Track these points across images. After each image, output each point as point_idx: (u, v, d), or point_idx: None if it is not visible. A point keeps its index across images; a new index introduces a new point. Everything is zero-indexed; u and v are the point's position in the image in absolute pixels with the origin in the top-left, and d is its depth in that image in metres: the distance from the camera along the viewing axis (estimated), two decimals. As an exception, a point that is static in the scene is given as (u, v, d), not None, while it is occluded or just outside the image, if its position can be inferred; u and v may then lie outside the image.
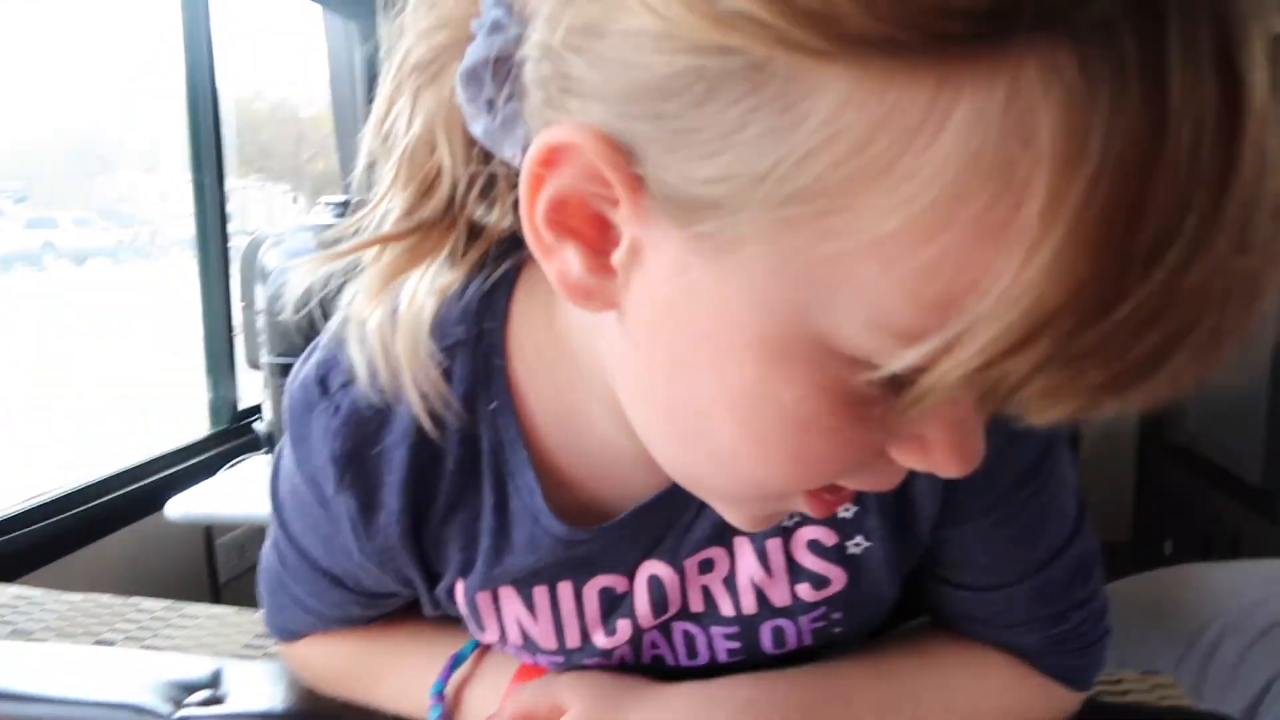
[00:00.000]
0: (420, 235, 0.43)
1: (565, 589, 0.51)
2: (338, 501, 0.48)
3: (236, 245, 1.65)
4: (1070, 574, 0.52)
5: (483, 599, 0.52)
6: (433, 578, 0.52)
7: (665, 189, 0.29)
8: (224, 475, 1.43)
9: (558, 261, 0.33)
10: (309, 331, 1.38)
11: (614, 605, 0.51)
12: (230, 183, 1.68)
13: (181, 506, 1.31)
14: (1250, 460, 2.21)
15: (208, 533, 1.43)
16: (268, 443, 1.41)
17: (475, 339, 0.47)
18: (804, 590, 0.50)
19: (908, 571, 0.52)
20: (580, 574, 0.51)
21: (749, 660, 0.53)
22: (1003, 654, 0.54)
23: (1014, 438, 0.46)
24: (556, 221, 0.32)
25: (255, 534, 1.50)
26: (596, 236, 0.32)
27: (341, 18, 1.74)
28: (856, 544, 0.49)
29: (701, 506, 0.47)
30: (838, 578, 0.50)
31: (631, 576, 0.51)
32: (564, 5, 0.31)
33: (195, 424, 1.56)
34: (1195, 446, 2.55)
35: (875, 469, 0.35)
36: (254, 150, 2.23)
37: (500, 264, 0.46)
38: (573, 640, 0.53)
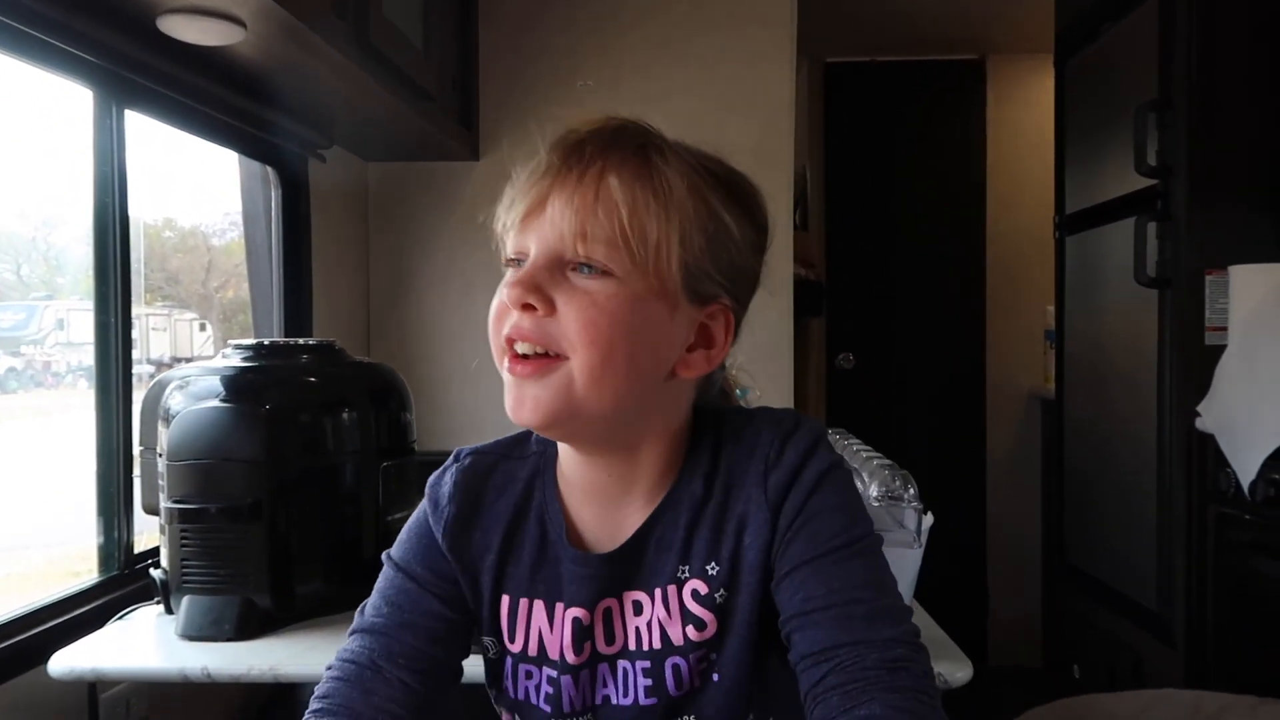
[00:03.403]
0: None
1: (573, 611, 0.76)
2: (449, 509, 0.79)
3: (137, 373, 1.59)
4: (871, 616, 0.69)
5: (521, 607, 0.77)
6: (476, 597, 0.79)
7: None
8: (113, 627, 1.35)
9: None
10: (207, 477, 1.35)
11: (608, 622, 0.76)
12: (135, 309, 1.64)
13: (67, 661, 1.23)
14: (1145, 586, 2.27)
15: (91, 689, 1.33)
16: (163, 592, 1.33)
17: (543, 450, 0.81)
18: (690, 632, 0.74)
19: (764, 625, 0.73)
20: (584, 598, 0.76)
21: (660, 702, 0.75)
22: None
23: (830, 516, 0.73)
24: None
25: (140, 690, 1.40)
26: None
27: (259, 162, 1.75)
28: (721, 595, 0.74)
29: (652, 555, 0.76)
30: (711, 622, 0.74)
31: (621, 601, 0.76)
32: None
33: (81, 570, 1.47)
34: (1096, 574, 2.62)
35: (504, 318, 0.71)
36: (161, 278, 2.18)
37: None
38: (570, 655, 0.76)
